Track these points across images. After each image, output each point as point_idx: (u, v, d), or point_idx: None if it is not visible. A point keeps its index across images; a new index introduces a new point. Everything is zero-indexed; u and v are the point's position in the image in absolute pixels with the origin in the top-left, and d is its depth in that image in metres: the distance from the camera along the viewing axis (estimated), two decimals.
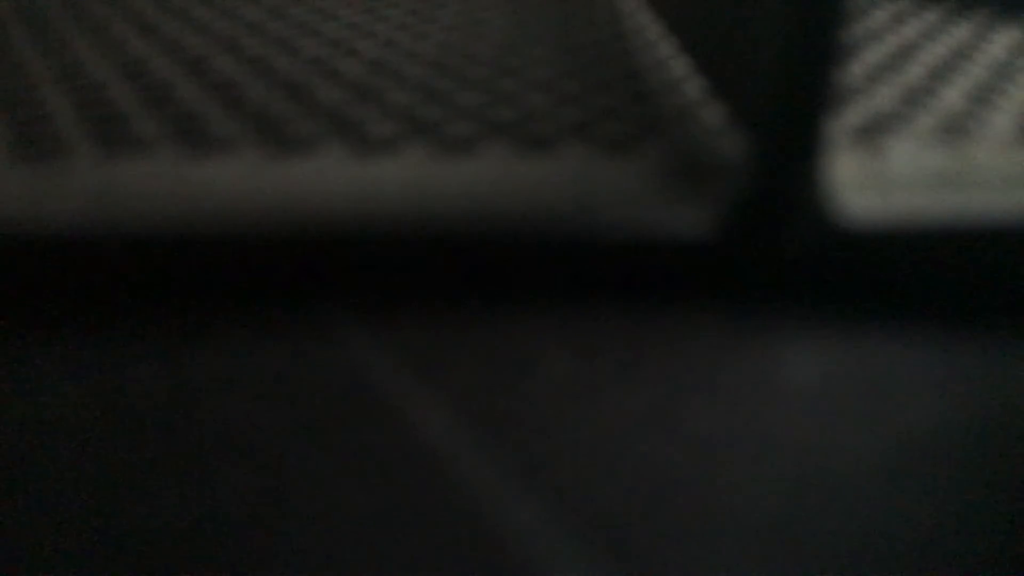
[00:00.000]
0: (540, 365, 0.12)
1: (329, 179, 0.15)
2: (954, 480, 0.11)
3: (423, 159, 0.15)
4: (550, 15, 0.25)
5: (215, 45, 0.21)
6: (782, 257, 0.13)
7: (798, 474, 0.11)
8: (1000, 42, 0.22)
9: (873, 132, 0.17)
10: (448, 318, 0.13)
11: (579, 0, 0.26)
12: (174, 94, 0.18)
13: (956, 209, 0.14)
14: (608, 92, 0.18)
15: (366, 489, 0.10)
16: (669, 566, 0.09)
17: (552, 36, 0.22)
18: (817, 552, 0.10)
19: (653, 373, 0.12)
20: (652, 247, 0.14)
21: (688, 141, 0.16)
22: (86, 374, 0.12)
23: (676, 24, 0.22)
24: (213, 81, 0.19)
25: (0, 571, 0.09)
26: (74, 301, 0.13)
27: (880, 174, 0.15)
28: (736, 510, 0.10)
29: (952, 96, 0.19)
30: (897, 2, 0.26)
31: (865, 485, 0.10)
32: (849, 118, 0.17)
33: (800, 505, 0.10)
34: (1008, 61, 0.21)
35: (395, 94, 0.18)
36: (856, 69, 0.20)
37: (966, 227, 0.13)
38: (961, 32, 0.23)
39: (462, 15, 0.24)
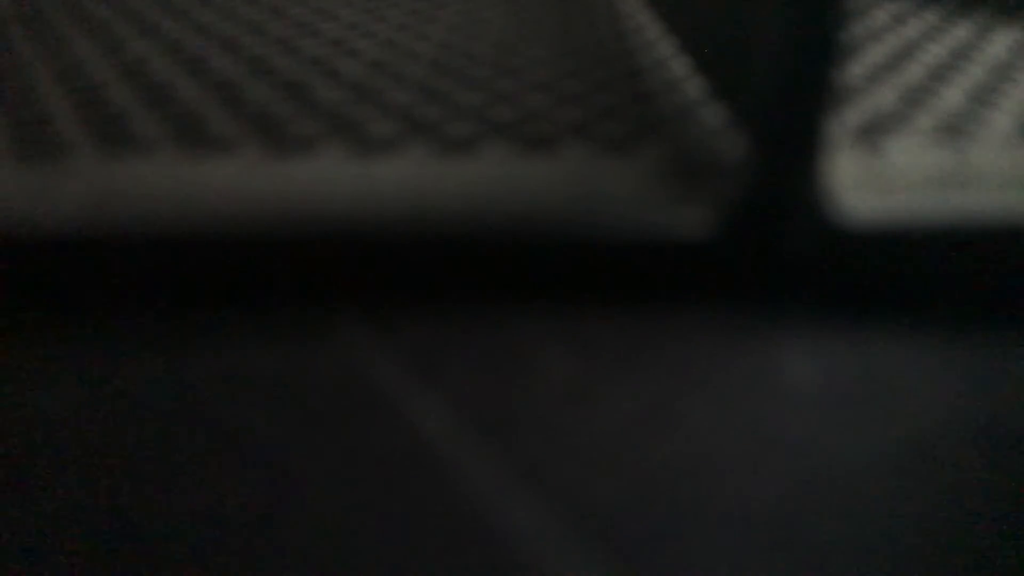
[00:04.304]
0: (540, 365, 0.12)
1: (329, 179, 0.15)
2: (954, 480, 0.11)
3: (423, 159, 0.15)
4: (550, 15, 0.25)
5: (215, 45, 0.21)
6: (782, 257, 0.13)
7: (798, 474, 0.11)
8: (1000, 42, 0.22)
9: (873, 132, 0.17)
10: (448, 318, 0.13)
11: (579, 0, 0.26)
12: (174, 94, 0.18)
13: (956, 209, 0.14)
14: (608, 92, 0.18)
15: (366, 489, 0.10)
16: (669, 566, 0.09)
17: (552, 36, 0.22)
18: (817, 552, 0.10)
19: (653, 373, 0.12)
20: (652, 247, 0.13)
21: (688, 141, 0.16)
22: (86, 374, 0.12)
23: (676, 24, 0.22)
24: (213, 81, 0.19)
25: (0, 571, 0.09)
26: (74, 301, 0.13)
27: (880, 174, 0.15)
28: (736, 510, 0.10)
29: (952, 96, 0.19)
30: (897, 2, 0.26)
31: (865, 485, 0.10)
32: (849, 118, 0.17)
33: (800, 505, 0.10)
34: (1008, 61, 0.21)
35: (395, 94, 0.18)
36: (856, 69, 0.20)
37: (966, 227, 0.13)
38: (961, 32, 0.23)
39: (462, 15, 0.24)
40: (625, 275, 0.14)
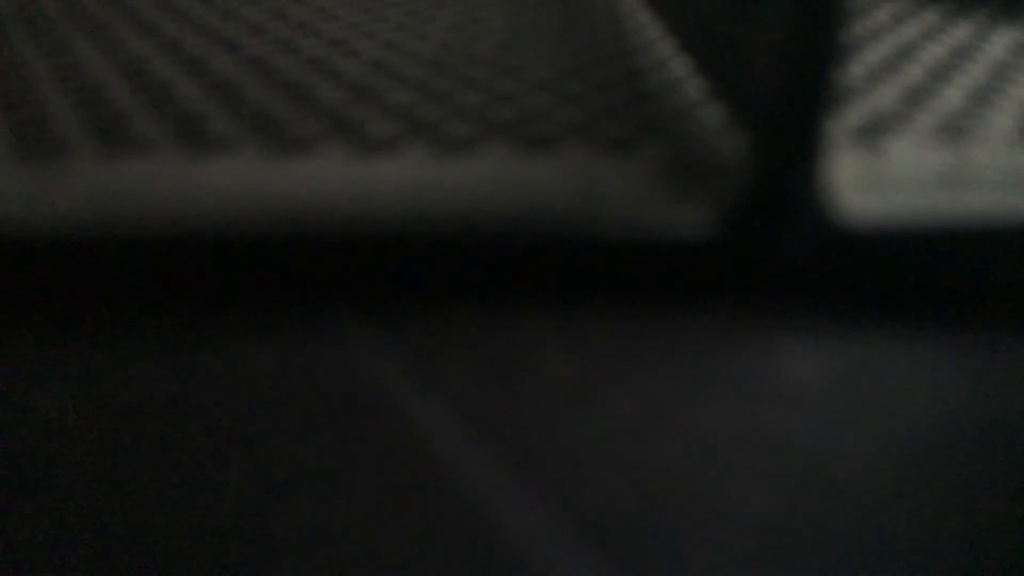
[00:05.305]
0: (540, 365, 0.12)
1: (329, 179, 0.15)
2: (954, 480, 0.11)
3: (423, 159, 0.15)
4: (550, 15, 0.25)
5: (215, 45, 0.21)
6: (782, 257, 0.13)
7: (798, 474, 0.11)
8: (1000, 42, 0.22)
9: (873, 132, 0.17)
10: (448, 318, 0.13)
11: (579, 0, 0.26)
12: (174, 94, 0.18)
13: (956, 209, 0.14)
14: (608, 92, 0.18)
15: (366, 489, 0.10)
16: (668, 566, 0.09)
17: (552, 36, 0.22)
18: (817, 552, 0.10)
19: (653, 373, 0.12)
20: (652, 247, 0.13)
21: (688, 141, 0.16)
22: (86, 374, 0.12)
23: (676, 24, 0.22)
24: (213, 81, 0.19)
25: (0, 571, 0.09)
26: (74, 301, 0.13)
27: (880, 174, 0.15)
28: (736, 510, 0.10)
29: (952, 96, 0.19)
30: (897, 2, 0.26)
31: (865, 485, 0.10)
32: (849, 118, 0.17)
33: (800, 505, 0.10)
34: (1008, 61, 0.21)
35: (395, 94, 0.18)
36: (856, 69, 0.20)
37: (966, 227, 0.13)
38: (961, 32, 0.23)
39: (462, 15, 0.24)
40: (625, 275, 0.14)
